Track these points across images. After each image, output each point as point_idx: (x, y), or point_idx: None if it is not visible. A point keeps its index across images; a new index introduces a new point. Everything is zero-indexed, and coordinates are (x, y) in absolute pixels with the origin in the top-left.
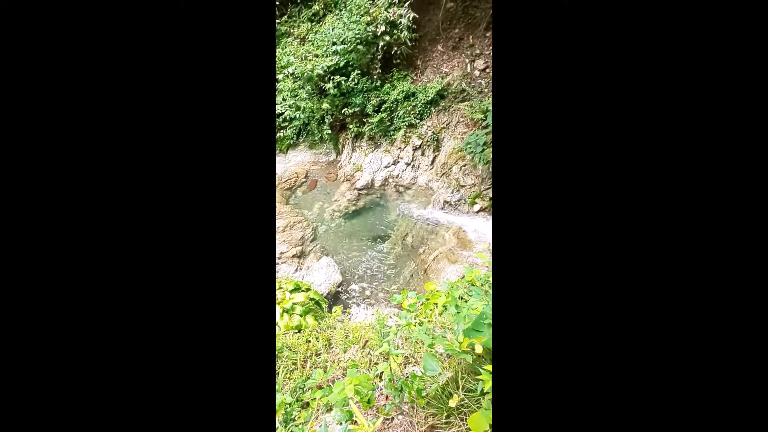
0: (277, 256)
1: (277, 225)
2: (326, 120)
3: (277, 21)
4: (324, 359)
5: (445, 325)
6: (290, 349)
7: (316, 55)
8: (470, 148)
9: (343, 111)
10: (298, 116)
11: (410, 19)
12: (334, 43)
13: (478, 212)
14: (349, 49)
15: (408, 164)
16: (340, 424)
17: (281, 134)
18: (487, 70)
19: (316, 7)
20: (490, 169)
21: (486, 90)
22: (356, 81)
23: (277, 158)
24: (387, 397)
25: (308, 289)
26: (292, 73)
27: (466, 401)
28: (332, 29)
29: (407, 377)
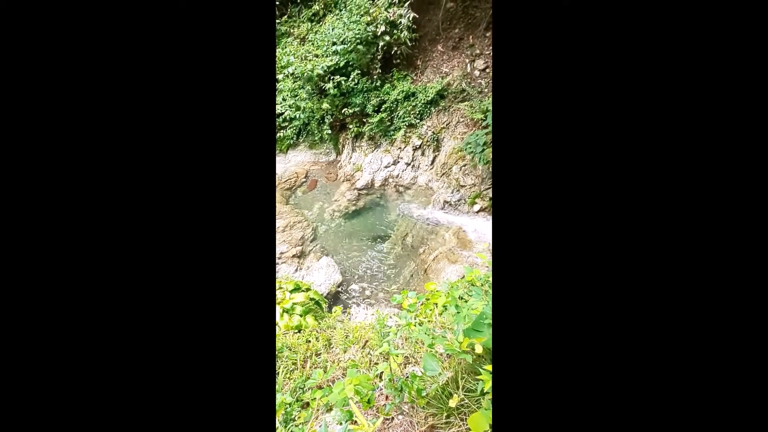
0: (277, 256)
1: (277, 225)
2: (326, 120)
3: (277, 21)
4: (324, 359)
5: (445, 325)
6: (290, 349)
7: (316, 55)
8: (470, 148)
9: (343, 111)
10: (298, 116)
11: (410, 19)
12: (334, 43)
13: (478, 212)
14: (349, 49)
15: (408, 164)
16: (340, 424)
17: (281, 134)
18: (487, 70)
19: (316, 7)
20: (490, 169)
21: (486, 90)
22: (356, 81)
23: (277, 158)
24: (387, 397)
25: (308, 289)
26: (292, 73)
27: (466, 401)
28: (332, 29)
29: (407, 377)
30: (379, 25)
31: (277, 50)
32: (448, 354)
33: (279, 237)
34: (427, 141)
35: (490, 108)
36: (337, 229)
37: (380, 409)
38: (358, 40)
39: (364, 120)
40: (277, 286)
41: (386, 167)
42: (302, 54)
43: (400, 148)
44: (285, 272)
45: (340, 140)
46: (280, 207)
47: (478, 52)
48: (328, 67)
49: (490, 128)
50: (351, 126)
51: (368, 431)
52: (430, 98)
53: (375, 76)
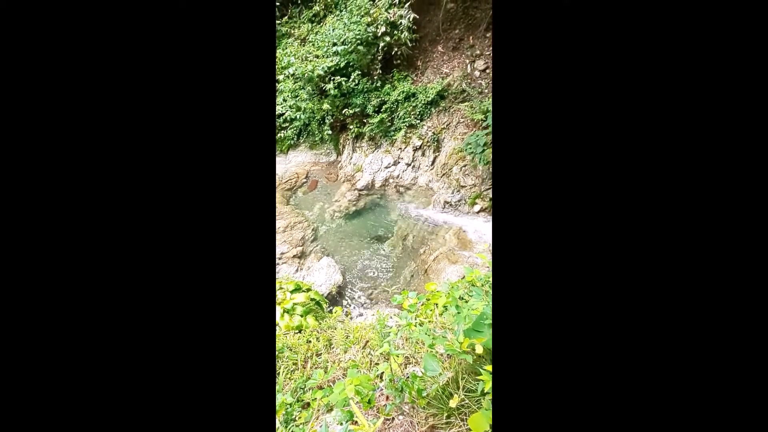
0: (278, 256)
1: (278, 225)
2: (327, 120)
3: (278, 22)
4: (324, 359)
5: (446, 325)
6: (291, 350)
7: (317, 56)
8: (470, 148)
9: (343, 111)
10: (298, 117)
11: (410, 19)
12: (334, 44)
13: (478, 213)
14: (350, 49)
15: (408, 165)
16: (341, 424)
17: (282, 135)
18: (487, 71)
19: (316, 7)
20: (490, 170)
21: (486, 90)
22: (357, 82)
23: (278, 159)
24: (387, 398)
25: (309, 290)
26: (293, 74)
27: (467, 401)
28: (333, 30)
29: (408, 377)
30: (379, 26)
31: (277, 51)
32: (448, 354)
33: (279, 237)
34: (428, 141)
35: (490, 108)
36: (337, 229)
37: (381, 409)
38: (359, 41)
39: (365, 120)
40: (277, 287)
41: (387, 168)
42: (303, 55)
43: (400, 148)
44: (286, 272)
45: (341, 141)
46: (280, 207)
47: (478, 52)
48: (329, 68)
49: (490, 129)
50: (351, 126)
51: (369, 431)
52: (430, 99)
53: (375, 77)
